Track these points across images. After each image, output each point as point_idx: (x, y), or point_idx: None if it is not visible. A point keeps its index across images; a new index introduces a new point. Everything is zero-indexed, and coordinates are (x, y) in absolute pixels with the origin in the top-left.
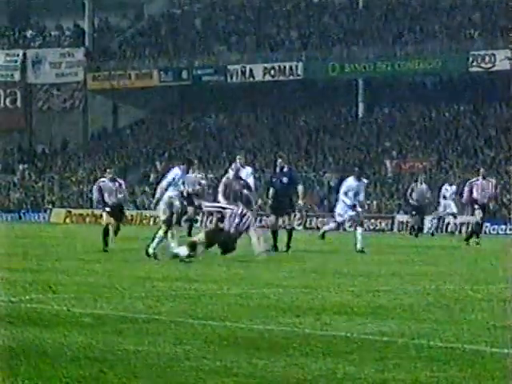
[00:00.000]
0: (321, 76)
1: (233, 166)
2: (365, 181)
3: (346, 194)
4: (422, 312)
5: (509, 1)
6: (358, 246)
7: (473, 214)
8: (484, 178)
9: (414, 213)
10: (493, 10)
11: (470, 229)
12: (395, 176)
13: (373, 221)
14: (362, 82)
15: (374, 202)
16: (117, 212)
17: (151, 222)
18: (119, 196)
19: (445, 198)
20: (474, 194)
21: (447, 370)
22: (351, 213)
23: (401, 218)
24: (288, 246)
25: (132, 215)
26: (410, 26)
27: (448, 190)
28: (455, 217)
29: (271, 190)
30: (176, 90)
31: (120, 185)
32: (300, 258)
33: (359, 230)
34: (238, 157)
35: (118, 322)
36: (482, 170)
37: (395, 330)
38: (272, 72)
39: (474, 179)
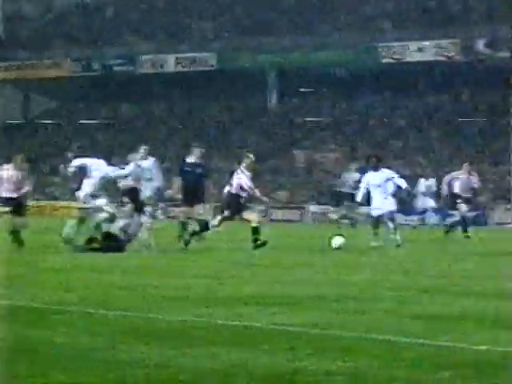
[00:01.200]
0: (233, 66)
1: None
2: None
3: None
4: (333, 303)
5: None
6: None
7: (452, 208)
8: (469, 173)
9: (345, 203)
10: (405, 2)
11: (450, 222)
12: (306, 167)
13: (284, 211)
14: (274, 73)
15: (285, 193)
16: (16, 207)
17: (62, 213)
18: (22, 189)
19: (424, 194)
20: (457, 189)
21: (358, 360)
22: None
23: (313, 208)
24: (197, 236)
25: (42, 205)
26: (322, 17)
27: (424, 184)
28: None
29: (181, 181)
30: (87, 80)
31: (23, 175)
32: (214, 249)
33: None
34: (142, 147)
35: (30, 313)
36: (465, 164)
37: (307, 320)
38: (184, 62)
39: (457, 173)
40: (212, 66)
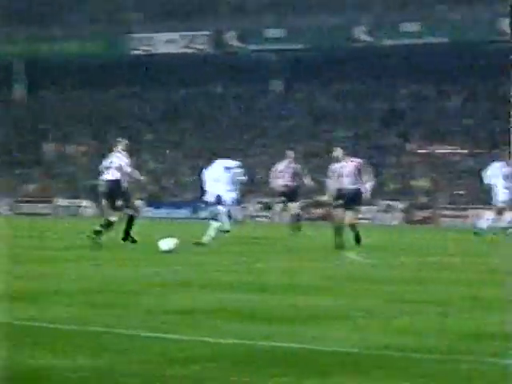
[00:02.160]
0: None
1: None
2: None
3: None
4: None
5: None
6: None
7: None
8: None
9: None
10: None
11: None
12: (56, 159)
13: (33, 205)
14: (21, 64)
15: (34, 186)
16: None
17: None
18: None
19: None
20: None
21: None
22: None
23: (61, 202)
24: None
25: None
26: (71, 6)
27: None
28: None
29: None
30: None
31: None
32: None
33: None
34: None
35: None
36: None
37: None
38: None
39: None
40: None
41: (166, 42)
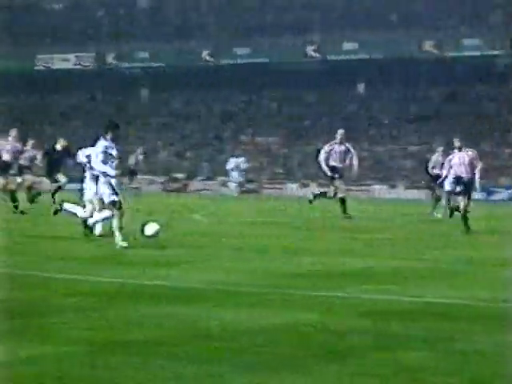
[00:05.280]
0: None
1: None
2: None
3: None
4: None
5: None
6: None
7: None
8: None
9: None
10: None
11: None
12: None
13: None
14: None
15: None
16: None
17: None
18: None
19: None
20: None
21: None
22: None
23: None
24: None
25: None
26: None
27: None
28: None
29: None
30: None
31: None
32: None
33: None
34: None
35: None
36: None
37: None
38: None
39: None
40: None
41: (62, 60)
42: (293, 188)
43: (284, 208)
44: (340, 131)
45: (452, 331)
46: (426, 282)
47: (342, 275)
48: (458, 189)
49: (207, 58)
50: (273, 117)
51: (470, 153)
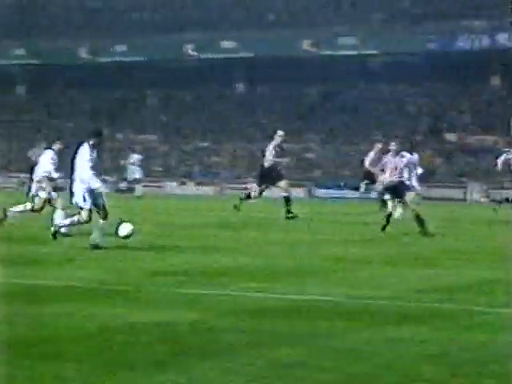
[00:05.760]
0: None
1: None
2: None
3: None
4: None
5: None
6: None
7: None
8: None
9: None
10: None
11: None
12: None
13: None
14: None
15: None
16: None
17: None
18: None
19: None
20: None
21: None
22: None
23: None
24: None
25: None
26: None
27: None
28: None
29: None
30: None
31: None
32: None
33: None
34: None
35: None
36: None
37: None
38: None
39: None
40: None
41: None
42: (172, 186)
43: (163, 207)
44: (279, 132)
45: (320, 328)
46: (297, 279)
47: (218, 273)
48: (388, 196)
49: (86, 55)
50: (152, 115)
51: (408, 156)
